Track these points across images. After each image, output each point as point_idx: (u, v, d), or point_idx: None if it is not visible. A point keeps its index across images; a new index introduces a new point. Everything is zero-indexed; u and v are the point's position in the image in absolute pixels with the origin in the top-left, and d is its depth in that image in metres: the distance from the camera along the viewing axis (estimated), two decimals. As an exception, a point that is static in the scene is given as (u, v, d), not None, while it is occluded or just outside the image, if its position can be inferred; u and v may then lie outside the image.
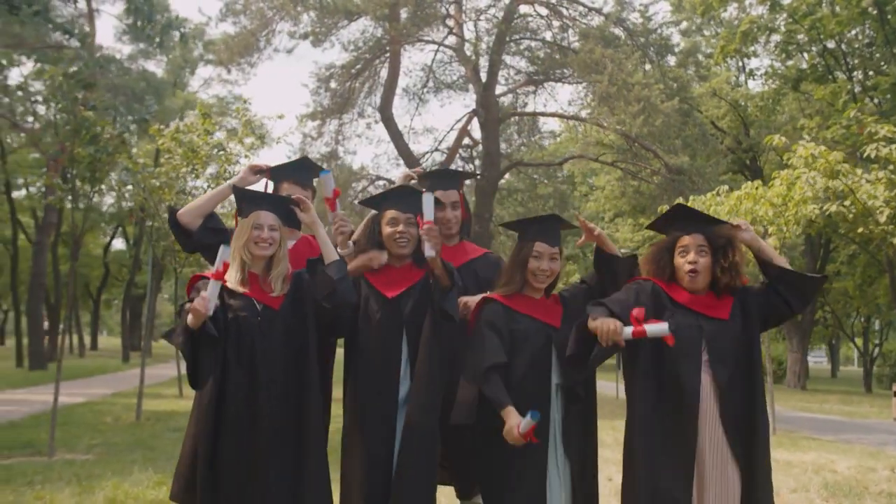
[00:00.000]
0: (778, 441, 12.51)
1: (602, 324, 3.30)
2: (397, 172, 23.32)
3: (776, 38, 28.47)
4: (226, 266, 3.48)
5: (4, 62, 20.58)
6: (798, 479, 8.78)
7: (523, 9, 21.70)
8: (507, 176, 26.70)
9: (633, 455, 3.58)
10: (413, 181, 4.34)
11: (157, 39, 11.47)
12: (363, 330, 3.87)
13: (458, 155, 23.65)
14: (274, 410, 3.52)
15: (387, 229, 3.90)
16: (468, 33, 21.68)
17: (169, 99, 27.05)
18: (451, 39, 22.01)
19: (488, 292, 3.92)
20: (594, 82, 18.68)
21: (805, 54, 29.12)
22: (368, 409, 3.81)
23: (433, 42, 22.10)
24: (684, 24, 32.84)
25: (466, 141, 23.63)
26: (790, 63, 29.68)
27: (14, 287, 33.61)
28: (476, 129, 22.90)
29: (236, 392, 3.51)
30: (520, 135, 25.15)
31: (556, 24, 21.34)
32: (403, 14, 19.52)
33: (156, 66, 31.55)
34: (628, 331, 3.32)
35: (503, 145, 24.21)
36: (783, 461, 10.17)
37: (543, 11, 21.53)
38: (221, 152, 12.21)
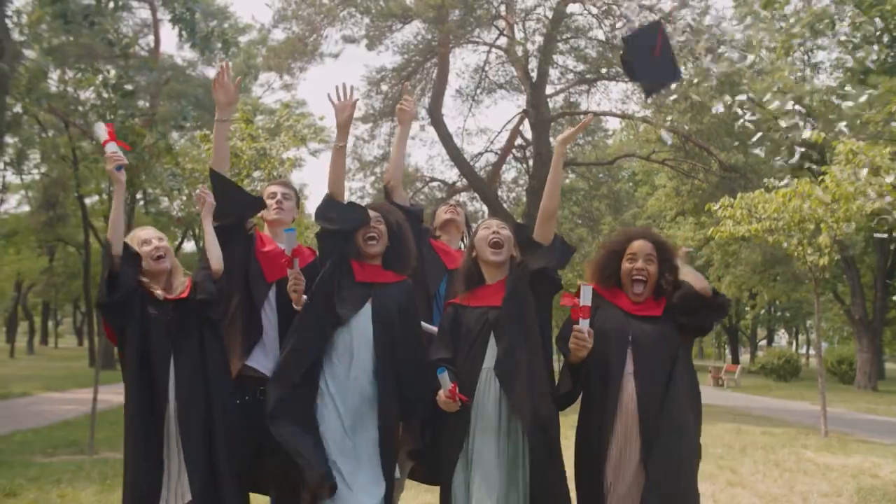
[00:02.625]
0: (826, 444, 12.24)
1: (574, 347, 3.50)
2: (451, 174, 23.55)
3: (845, 29, 27.65)
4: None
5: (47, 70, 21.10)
6: (833, 484, 8.57)
7: (572, 8, 21.56)
8: (571, 175, 26.53)
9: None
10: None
11: (200, 49, 11.68)
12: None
13: (510, 155, 23.65)
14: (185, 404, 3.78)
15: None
16: (519, 34, 21.63)
17: (240, 105, 27.57)
18: (502, 40, 21.99)
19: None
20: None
21: (876, 45, 28.19)
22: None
23: (483, 43, 22.14)
24: (749, 20, 32.13)
25: (519, 141, 23.58)
26: (860, 55, 28.78)
27: (87, 289, 34.69)
28: (528, 130, 22.81)
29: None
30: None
31: (607, 22, 21.14)
32: (452, 16, 19.55)
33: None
34: (583, 324, 3.47)
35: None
36: (823, 464, 9.95)
37: (594, 10, 21.33)
38: (263, 157, 12.42)
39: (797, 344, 62.86)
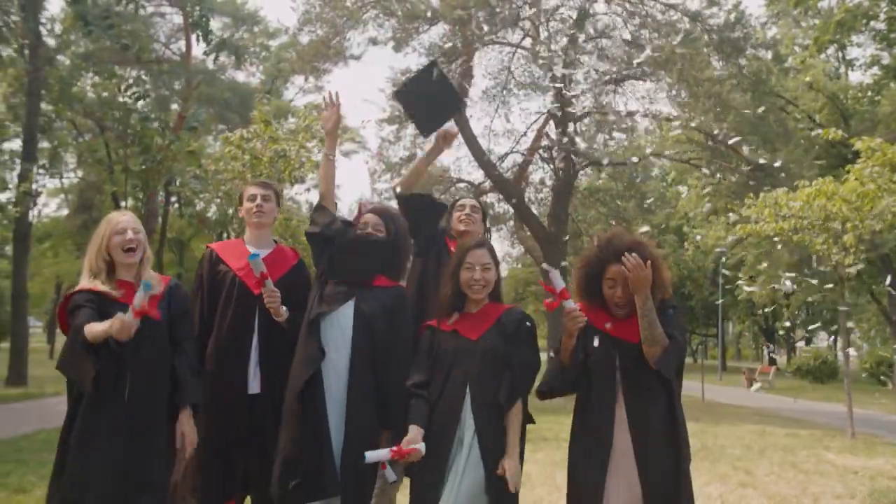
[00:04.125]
0: (851, 445, 12.06)
1: (571, 326, 3.54)
2: (478, 175, 23.49)
3: (880, 25, 27.23)
4: None
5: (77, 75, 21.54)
6: (848, 485, 8.45)
7: (596, 7, 21.47)
8: (603, 176, 26.30)
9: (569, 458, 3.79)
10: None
11: (214, 55, 11.91)
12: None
13: (537, 155, 23.52)
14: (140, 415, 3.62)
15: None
16: (543, 34, 21.53)
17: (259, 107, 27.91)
18: (527, 41, 21.94)
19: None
20: (664, 79, 18.35)
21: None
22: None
23: (508, 44, 22.10)
24: (780, 18, 31.90)
25: (546, 142, 23.43)
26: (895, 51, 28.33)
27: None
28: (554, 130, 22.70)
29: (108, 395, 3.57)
30: (601, 133, 24.67)
31: (634, 21, 20.96)
32: (477, 18, 19.54)
33: (249, 77, 32.73)
34: (568, 304, 3.54)
35: (585, 144, 24.02)
36: (842, 466, 9.82)
37: (618, 10, 21.19)
38: (282, 158, 12.54)
39: (836, 345, 61.82)
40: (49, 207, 43.57)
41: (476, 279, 3.78)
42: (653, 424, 3.55)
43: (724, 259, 32.29)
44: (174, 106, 27.87)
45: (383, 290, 3.98)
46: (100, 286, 3.69)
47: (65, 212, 39.62)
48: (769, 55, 22.49)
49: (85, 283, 3.74)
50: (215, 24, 31.78)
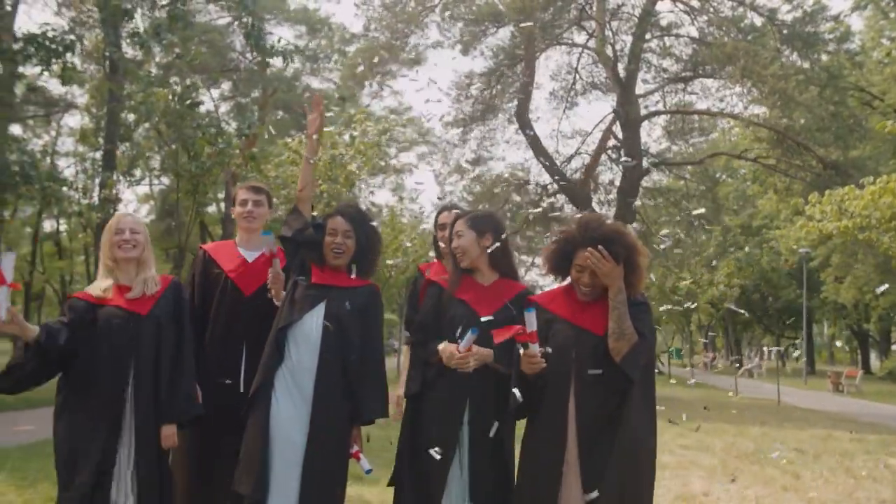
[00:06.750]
0: (913, 450, 11.67)
1: (529, 371, 3.43)
2: (544, 178, 23.41)
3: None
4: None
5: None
6: (898, 491, 8.19)
7: (661, 6, 21.19)
8: (681, 181, 25.92)
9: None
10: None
11: (264, 60, 12.24)
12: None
13: (605, 155, 23.28)
14: (141, 411, 3.73)
15: (327, 238, 4.00)
16: (608, 33, 21.35)
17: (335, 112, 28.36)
18: (592, 41, 21.79)
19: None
20: (729, 76, 17.99)
21: None
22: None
23: (573, 44, 22.03)
24: (869, 10, 30.96)
25: (613, 142, 23.15)
26: None
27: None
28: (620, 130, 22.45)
29: (104, 392, 3.68)
30: (670, 133, 24.26)
31: (702, 19, 20.61)
32: (540, 18, 19.50)
33: (324, 83, 33.24)
34: (533, 348, 3.39)
35: (656, 145, 23.86)
36: (898, 471, 9.50)
37: (684, 7, 20.85)
38: (337, 163, 12.73)
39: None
40: (140, 213, 44.99)
41: (453, 247, 3.91)
42: (604, 427, 3.38)
43: (811, 261, 31.42)
44: (250, 113, 28.55)
45: (354, 290, 4.00)
46: (97, 292, 3.79)
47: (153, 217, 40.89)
48: (845, 48, 21.86)
49: (96, 283, 3.89)
50: (290, 32, 32.54)
